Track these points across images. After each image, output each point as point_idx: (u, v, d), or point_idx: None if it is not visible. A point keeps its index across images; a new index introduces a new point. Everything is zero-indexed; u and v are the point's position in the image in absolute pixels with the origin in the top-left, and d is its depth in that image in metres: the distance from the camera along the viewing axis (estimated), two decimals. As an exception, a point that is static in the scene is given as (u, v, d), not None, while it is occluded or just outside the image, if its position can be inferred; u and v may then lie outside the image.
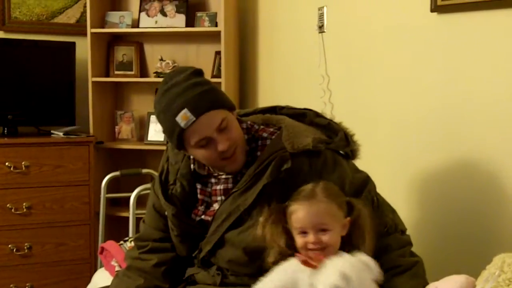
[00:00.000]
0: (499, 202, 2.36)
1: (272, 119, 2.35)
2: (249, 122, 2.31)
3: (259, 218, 2.09)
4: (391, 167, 2.88)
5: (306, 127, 2.28)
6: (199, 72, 2.20)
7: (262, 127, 2.29)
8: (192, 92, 2.10)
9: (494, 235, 2.40)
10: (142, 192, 3.79)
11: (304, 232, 1.96)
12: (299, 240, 1.97)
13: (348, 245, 1.99)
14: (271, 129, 2.28)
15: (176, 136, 2.13)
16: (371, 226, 2.02)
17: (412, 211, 2.72)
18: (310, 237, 1.95)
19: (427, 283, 2.07)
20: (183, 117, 2.08)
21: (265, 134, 2.26)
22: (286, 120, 2.30)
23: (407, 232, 2.27)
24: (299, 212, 1.97)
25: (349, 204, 2.03)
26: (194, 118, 2.08)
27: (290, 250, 2.01)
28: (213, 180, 2.28)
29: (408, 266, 2.11)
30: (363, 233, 2.01)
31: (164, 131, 2.20)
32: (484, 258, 1.89)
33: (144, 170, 4.13)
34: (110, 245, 2.99)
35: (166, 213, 2.28)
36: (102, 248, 3.03)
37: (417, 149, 2.76)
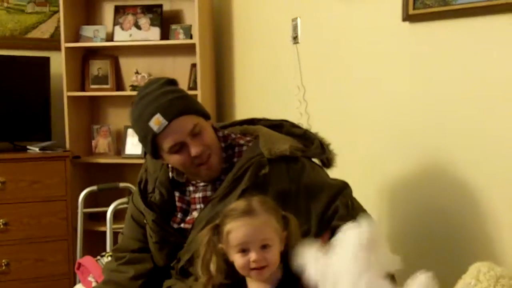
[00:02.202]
0: (466, 203, 2.38)
1: (249, 129, 2.39)
2: (226, 132, 2.35)
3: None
4: (363, 174, 2.89)
5: (283, 136, 2.33)
6: (172, 82, 2.25)
7: (239, 135, 2.33)
8: (164, 98, 2.15)
9: (462, 234, 2.41)
10: (119, 206, 3.77)
11: (244, 251, 1.87)
12: (239, 260, 1.88)
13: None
14: (248, 138, 2.32)
15: (150, 142, 2.17)
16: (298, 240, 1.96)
17: (382, 216, 2.74)
18: (253, 255, 1.86)
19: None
20: (155, 121, 2.12)
21: (242, 141, 2.30)
22: (263, 129, 2.35)
23: None
24: (240, 229, 1.87)
25: (284, 217, 1.96)
26: (167, 122, 2.12)
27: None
28: (191, 188, 2.30)
29: None
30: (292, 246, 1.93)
31: (139, 139, 2.24)
32: (456, 263, 1.90)
33: (122, 184, 4.11)
34: (87, 260, 2.97)
35: (145, 220, 2.30)
36: (79, 264, 3.01)
37: (386, 155, 2.79)
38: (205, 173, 2.23)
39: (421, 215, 2.61)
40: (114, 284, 2.31)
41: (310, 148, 2.30)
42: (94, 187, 4.04)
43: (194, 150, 2.15)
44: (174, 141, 2.15)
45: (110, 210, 3.72)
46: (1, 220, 4.00)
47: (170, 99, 2.15)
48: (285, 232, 1.94)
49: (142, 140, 2.22)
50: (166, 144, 2.16)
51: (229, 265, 1.94)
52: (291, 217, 1.99)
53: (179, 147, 2.16)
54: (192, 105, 2.21)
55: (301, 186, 2.20)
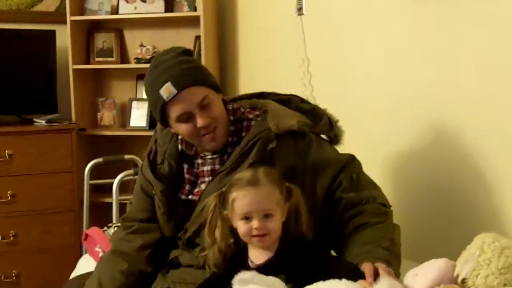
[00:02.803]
0: (471, 175, 2.39)
1: (258, 103, 2.40)
2: (235, 105, 2.36)
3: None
4: (367, 147, 2.90)
5: (291, 111, 2.33)
6: (188, 52, 2.27)
7: (248, 109, 2.34)
8: (177, 67, 2.17)
9: (468, 206, 2.43)
10: (125, 178, 3.81)
11: (247, 218, 1.94)
12: (242, 227, 1.95)
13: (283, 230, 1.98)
14: (257, 112, 2.33)
15: (159, 109, 2.20)
16: (307, 213, 2.03)
17: (387, 194, 2.75)
18: (255, 223, 1.92)
19: (388, 237, 2.07)
20: (166, 90, 2.14)
21: (250, 116, 2.31)
22: (272, 103, 2.35)
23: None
24: (244, 198, 1.94)
25: (288, 189, 2.02)
26: (176, 91, 2.14)
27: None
28: (199, 161, 2.32)
29: (372, 223, 2.11)
30: (300, 220, 2.01)
31: (149, 106, 2.27)
32: (461, 236, 1.91)
33: (127, 156, 4.14)
34: (94, 231, 3.01)
35: (153, 191, 2.32)
36: (86, 235, 3.05)
37: (392, 128, 2.80)
38: (209, 144, 2.26)
39: (426, 188, 2.63)
40: (122, 254, 2.34)
41: (318, 124, 2.31)
42: (99, 159, 4.07)
43: (200, 121, 2.17)
44: (182, 110, 2.17)
45: (116, 181, 3.76)
46: (8, 192, 4.03)
47: (183, 68, 2.17)
48: (287, 204, 1.99)
49: (152, 106, 2.25)
50: (174, 113, 2.18)
51: (233, 232, 2.00)
52: (295, 189, 2.02)
53: (187, 117, 2.18)
54: (204, 77, 2.22)
55: (308, 162, 2.21)
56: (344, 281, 1.78)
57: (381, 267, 1.83)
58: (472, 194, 2.41)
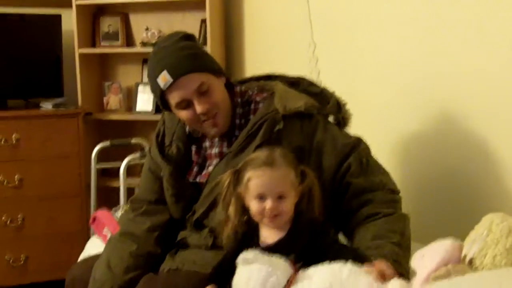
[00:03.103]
0: (481, 160, 2.39)
1: (266, 85, 2.40)
2: (243, 87, 2.37)
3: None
4: (374, 131, 2.90)
5: (298, 93, 2.34)
6: (189, 37, 2.28)
7: (256, 92, 2.35)
8: (175, 55, 2.18)
9: (480, 194, 2.43)
10: (131, 162, 3.82)
11: (261, 198, 1.97)
12: (255, 206, 1.98)
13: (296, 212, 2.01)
14: (265, 94, 2.34)
15: (159, 97, 2.23)
16: (320, 196, 2.04)
17: (395, 175, 2.75)
18: (268, 203, 1.95)
19: (398, 230, 2.09)
20: (162, 78, 2.17)
21: (258, 98, 2.32)
22: (280, 85, 2.36)
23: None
24: (260, 179, 1.96)
25: (302, 172, 2.04)
26: (172, 80, 2.16)
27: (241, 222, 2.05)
28: (207, 144, 2.35)
29: (383, 214, 2.12)
30: (312, 202, 2.03)
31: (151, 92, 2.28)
32: (469, 217, 1.92)
33: (134, 140, 4.15)
34: (102, 213, 3.02)
35: (162, 173, 2.34)
36: (94, 217, 3.06)
37: (400, 112, 2.80)
38: (211, 130, 2.27)
39: (435, 170, 2.63)
40: (130, 235, 2.36)
41: (326, 106, 2.32)
42: (106, 143, 4.08)
43: (199, 108, 2.19)
44: (179, 98, 2.19)
45: (123, 165, 3.77)
46: (16, 176, 4.03)
47: (180, 56, 2.18)
48: (301, 186, 2.01)
49: (153, 93, 2.28)
50: (173, 100, 2.21)
51: (246, 210, 2.03)
52: (310, 172, 2.04)
53: (186, 104, 2.21)
54: (202, 62, 2.23)
55: (314, 143, 2.22)
56: (349, 264, 1.80)
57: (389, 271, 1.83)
58: (481, 174, 2.41)
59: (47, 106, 4.22)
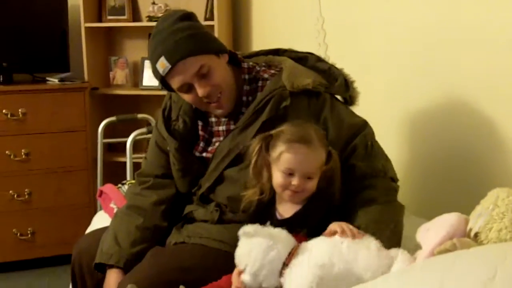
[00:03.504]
0: (488, 138, 2.39)
1: (274, 60, 2.39)
2: (250, 63, 2.36)
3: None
4: (382, 108, 2.90)
5: (306, 70, 2.32)
6: (188, 16, 2.23)
7: (263, 68, 2.34)
8: (172, 39, 2.15)
9: (486, 172, 2.43)
10: (138, 137, 3.82)
11: (290, 173, 1.97)
12: (280, 179, 1.99)
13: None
14: (272, 71, 2.32)
15: (160, 81, 2.23)
16: (340, 180, 2.06)
17: (403, 151, 2.76)
18: (295, 180, 1.97)
19: (395, 220, 2.11)
20: (160, 64, 2.15)
21: (266, 75, 2.31)
22: (288, 61, 2.34)
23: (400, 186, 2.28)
24: (293, 155, 1.97)
25: (329, 153, 2.05)
26: (170, 66, 2.14)
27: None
28: (213, 119, 2.35)
29: (382, 202, 2.13)
30: (333, 184, 2.05)
31: None
32: (475, 193, 1.92)
33: (140, 115, 4.15)
34: (108, 188, 3.03)
35: (168, 148, 2.34)
36: (101, 191, 3.07)
37: (407, 89, 2.79)
38: (216, 111, 2.27)
39: (441, 145, 2.63)
40: (137, 209, 2.37)
41: (334, 84, 2.30)
42: (113, 118, 4.08)
43: (200, 92, 2.17)
44: (180, 82, 2.18)
45: (129, 140, 3.78)
46: (23, 151, 4.05)
47: (177, 39, 2.15)
48: (324, 167, 2.02)
49: (155, 77, 2.26)
50: (174, 85, 2.20)
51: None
52: (335, 154, 2.05)
53: (187, 88, 2.19)
54: (201, 44, 2.19)
55: (321, 119, 2.21)
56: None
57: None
58: (487, 154, 2.41)
59: (53, 80, 4.22)
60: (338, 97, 2.35)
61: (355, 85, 2.35)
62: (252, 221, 1.96)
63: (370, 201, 2.12)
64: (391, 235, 2.04)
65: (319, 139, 2.01)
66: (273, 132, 2.04)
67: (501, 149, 2.33)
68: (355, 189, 2.15)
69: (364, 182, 2.16)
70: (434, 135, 2.66)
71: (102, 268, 2.30)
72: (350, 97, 2.35)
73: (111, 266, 2.26)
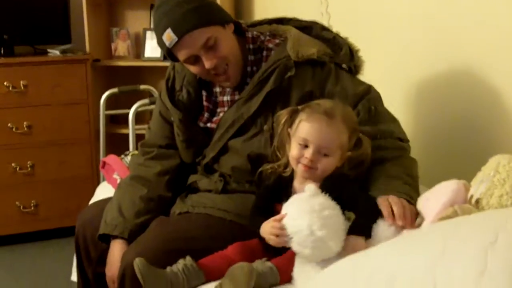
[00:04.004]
0: (492, 107, 2.38)
1: (278, 29, 2.38)
2: (255, 32, 2.34)
3: (263, 127, 2.17)
4: (388, 79, 2.89)
5: (311, 39, 2.32)
6: None
7: (268, 38, 2.33)
8: (178, 10, 2.13)
9: (490, 141, 2.43)
10: (140, 108, 3.82)
11: (305, 145, 1.93)
12: (295, 150, 1.95)
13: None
14: (277, 41, 2.31)
15: (166, 53, 2.22)
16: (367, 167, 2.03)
17: (409, 119, 2.75)
18: (308, 153, 1.92)
19: (408, 172, 2.10)
20: (167, 37, 2.14)
21: (270, 45, 2.30)
22: (292, 30, 2.33)
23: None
24: (312, 125, 1.93)
25: (358, 140, 2.01)
26: (177, 39, 2.13)
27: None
28: (218, 89, 2.34)
29: (391, 158, 2.12)
30: (358, 172, 2.02)
31: None
32: (480, 161, 1.92)
33: (142, 87, 4.14)
34: (111, 159, 3.03)
35: (172, 119, 2.34)
36: (104, 162, 3.07)
37: (413, 59, 2.77)
38: (224, 83, 2.27)
39: (446, 114, 2.63)
40: (141, 179, 2.38)
41: (339, 54, 2.29)
42: (115, 89, 4.07)
43: (207, 64, 2.17)
44: (186, 55, 2.17)
45: (132, 111, 3.78)
46: (25, 123, 4.05)
47: (183, 11, 2.13)
48: (349, 153, 1.98)
49: (160, 48, 2.25)
50: (180, 57, 2.19)
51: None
52: (366, 142, 2.02)
53: (194, 59, 2.19)
54: (207, 15, 2.17)
55: (325, 92, 2.21)
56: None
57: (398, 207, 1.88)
58: (492, 123, 2.40)
59: (54, 52, 4.21)
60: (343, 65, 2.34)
61: (360, 54, 2.35)
62: (267, 194, 1.97)
63: (378, 161, 2.10)
64: (406, 187, 2.02)
65: (344, 119, 1.95)
66: (300, 106, 2.01)
67: (505, 117, 2.33)
68: None
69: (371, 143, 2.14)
70: (438, 104, 2.66)
71: (106, 239, 2.31)
72: (355, 67, 2.34)
73: (115, 237, 2.27)
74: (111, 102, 4.27)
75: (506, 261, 1.33)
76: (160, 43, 2.19)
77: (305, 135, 1.93)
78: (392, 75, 2.89)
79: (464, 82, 2.50)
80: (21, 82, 4.01)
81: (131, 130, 3.80)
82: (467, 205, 1.74)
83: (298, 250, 1.84)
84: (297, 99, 2.18)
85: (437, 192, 1.88)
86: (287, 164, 2.04)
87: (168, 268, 1.99)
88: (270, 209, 1.99)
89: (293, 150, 1.96)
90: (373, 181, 2.06)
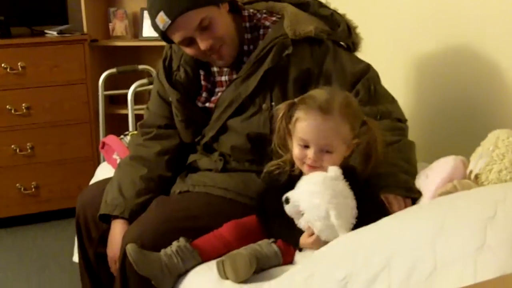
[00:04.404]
0: (494, 82, 2.38)
1: (275, 6, 2.36)
2: (251, 10, 2.32)
3: (262, 106, 2.16)
4: (390, 53, 2.88)
5: (309, 16, 2.29)
6: None
7: (264, 15, 2.31)
8: None
9: (490, 117, 2.43)
10: (139, 88, 3.81)
11: (305, 145, 1.87)
12: (296, 150, 1.89)
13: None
14: (274, 18, 2.29)
15: (161, 36, 2.20)
16: (378, 152, 1.94)
17: (410, 96, 2.75)
18: (310, 153, 1.86)
19: (406, 158, 2.07)
20: (160, 20, 2.12)
21: (267, 23, 2.28)
22: (289, 7, 2.31)
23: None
24: (308, 124, 1.86)
25: (364, 123, 1.92)
26: (170, 21, 2.10)
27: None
28: (215, 69, 2.32)
29: (389, 142, 2.07)
30: (368, 162, 1.94)
31: None
32: (480, 138, 1.92)
33: (141, 66, 4.12)
34: (111, 139, 3.03)
35: (170, 99, 2.33)
36: (103, 143, 3.07)
37: (415, 33, 2.76)
38: (218, 62, 2.25)
39: (446, 90, 2.63)
40: (141, 159, 2.37)
41: (336, 31, 2.27)
42: (113, 70, 4.05)
43: (202, 45, 2.15)
44: (181, 37, 2.15)
45: (130, 91, 3.77)
46: (23, 105, 4.04)
47: None
48: (355, 140, 1.91)
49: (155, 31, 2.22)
50: (175, 39, 2.17)
51: None
52: (373, 126, 1.94)
53: (189, 41, 2.17)
54: None
55: (323, 70, 2.20)
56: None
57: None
58: (493, 98, 2.40)
59: (52, 33, 4.19)
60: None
61: (358, 30, 2.33)
62: (281, 196, 1.89)
63: None
64: (405, 176, 2.01)
65: (342, 109, 1.85)
66: (297, 99, 1.94)
67: (507, 93, 2.33)
68: None
69: None
70: (438, 81, 2.66)
71: (107, 219, 2.31)
72: (353, 44, 2.32)
73: (116, 217, 2.27)
74: (110, 83, 4.26)
75: (505, 235, 1.33)
76: (154, 26, 2.17)
77: (303, 136, 1.86)
78: (392, 52, 2.88)
79: (464, 58, 2.50)
80: (19, 64, 3.99)
81: (130, 111, 3.79)
82: (466, 180, 1.74)
83: (303, 224, 1.84)
84: (295, 77, 2.17)
85: (436, 169, 1.88)
86: (292, 162, 1.96)
87: (162, 251, 2.00)
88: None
89: (295, 150, 1.90)
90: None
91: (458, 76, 2.55)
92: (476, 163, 1.76)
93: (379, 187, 1.97)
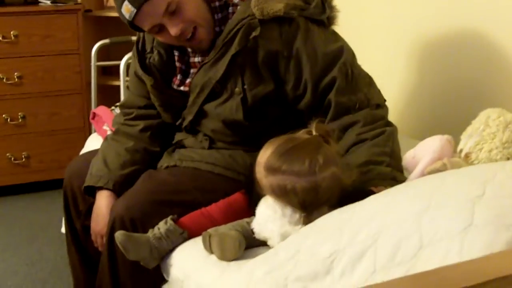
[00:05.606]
0: (496, 68, 2.37)
1: None
2: None
3: (235, 90, 2.08)
4: (392, 33, 2.85)
5: None
6: None
7: None
8: None
9: (490, 99, 2.42)
10: (131, 60, 3.77)
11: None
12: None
13: None
14: None
15: (129, 26, 2.12)
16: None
17: (411, 75, 2.73)
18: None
19: (388, 151, 2.00)
20: (125, 9, 2.03)
21: (236, 0, 2.16)
22: None
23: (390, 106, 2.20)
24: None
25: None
26: (135, 10, 2.02)
27: None
28: (189, 49, 2.24)
29: (371, 137, 2.01)
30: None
31: None
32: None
33: (134, 38, 4.06)
34: (102, 110, 3.02)
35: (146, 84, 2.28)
36: (94, 114, 3.06)
37: (418, 14, 2.74)
38: (197, 47, 2.17)
39: (447, 69, 2.62)
40: (125, 134, 2.35)
41: (309, 7, 2.12)
42: (106, 40, 4.02)
43: (172, 31, 2.05)
44: (149, 25, 2.06)
45: (123, 62, 3.74)
46: (15, 74, 4.00)
47: None
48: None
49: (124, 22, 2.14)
50: (144, 27, 2.09)
51: None
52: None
53: (159, 28, 2.07)
54: None
55: (294, 51, 2.08)
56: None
57: None
58: (493, 78, 2.39)
59: (45, 2, 4.15)
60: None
61: (335, 3, 2.18)
62: None
63: (356, 143, 2.02)
64: (387, 169, 1.96)
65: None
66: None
67: (508, 73, 2.32)
68: (337, 129, 2.02)
69: (345, 119, 2.05)
70: (443, 60, 2.64)
71: (92, 192, 2.29)
72: (328, 18, 2.17)
73: (101, 189, 2.24)
74: (103, 53, 4.22)
75: (493, 214, 1.33)
76: (121, 16, 2.08)
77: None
78: (395, 34, 2.85)
79: (467, 38, 2.48)
80: (12, 33, 3.95)
81: (122, 82, 3.76)
82: (456, 158, 1.73)
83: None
84: (263, 58, 2.08)
85: (422, 148, 1.87)
86: None
87: (151, 233, 1.99)
88: None
89: None
90: (357, 165, 1.95)
91: (461, 56, 2.54)
92: (466, 142, 1.75)
93: (362, 182, 1.90)
